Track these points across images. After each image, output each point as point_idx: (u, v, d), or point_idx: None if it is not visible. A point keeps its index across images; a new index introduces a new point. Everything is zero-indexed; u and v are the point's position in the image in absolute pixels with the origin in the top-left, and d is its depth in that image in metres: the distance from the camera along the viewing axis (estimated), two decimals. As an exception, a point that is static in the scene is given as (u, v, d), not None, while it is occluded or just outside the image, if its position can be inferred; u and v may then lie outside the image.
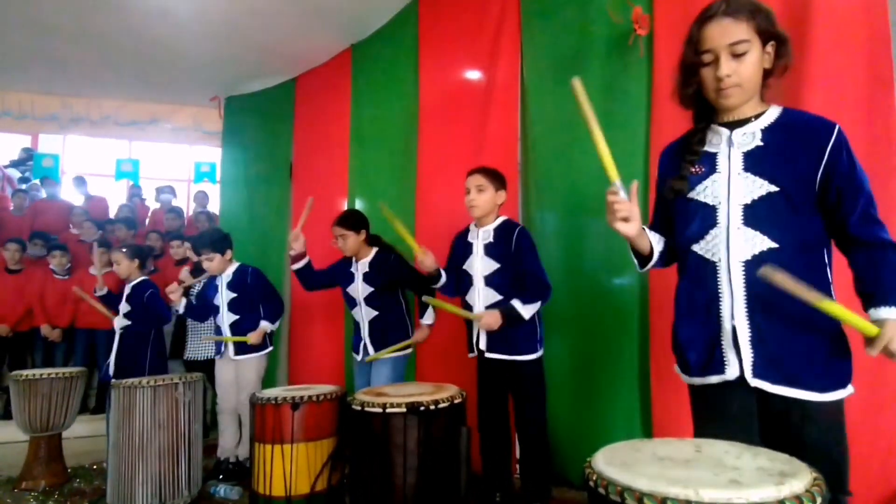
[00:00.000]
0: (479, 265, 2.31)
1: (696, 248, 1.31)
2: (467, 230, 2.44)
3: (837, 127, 1.24)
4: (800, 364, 1.18)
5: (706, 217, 1.30)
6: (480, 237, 2.35)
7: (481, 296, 2.29)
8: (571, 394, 2.69)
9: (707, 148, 1.34)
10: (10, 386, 3.13)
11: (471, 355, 2.36)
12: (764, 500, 0.72)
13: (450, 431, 1.79)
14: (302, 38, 4.21)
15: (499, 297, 2.26)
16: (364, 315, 2.76)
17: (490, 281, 2.28)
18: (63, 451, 3.22)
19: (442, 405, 1.78)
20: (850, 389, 1.20)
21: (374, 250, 2.83)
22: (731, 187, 1.28)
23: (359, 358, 2.81)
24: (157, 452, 2.61)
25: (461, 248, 2.41)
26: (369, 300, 2.75)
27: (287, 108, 4.81)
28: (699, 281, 1.29)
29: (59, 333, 4.59)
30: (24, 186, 6.57)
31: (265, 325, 3.10)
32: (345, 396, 2.46)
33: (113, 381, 2.75)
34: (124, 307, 3.35)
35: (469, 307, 2.32)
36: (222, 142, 5.34)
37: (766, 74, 1.31)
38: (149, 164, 7.15)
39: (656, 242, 1.43)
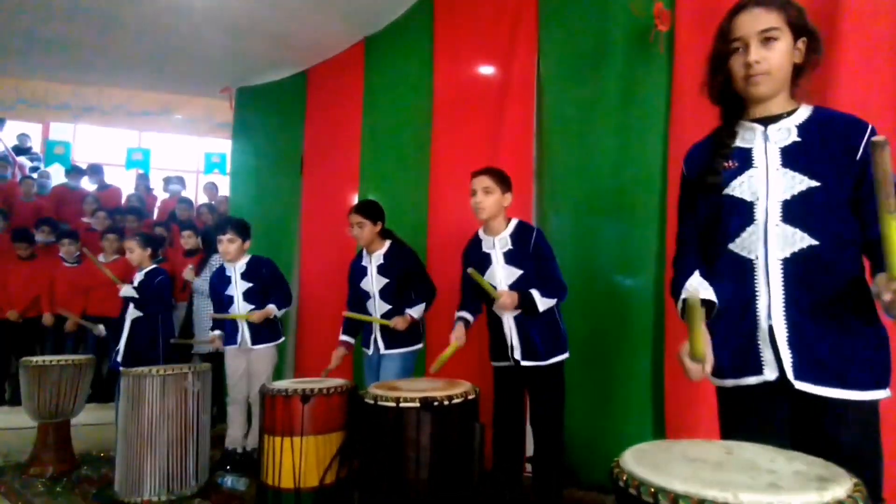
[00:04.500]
0: (502, 274, 2.25)
1: (731, 245, 1.28)
2: (478, 239, 2.35)
3: (871, 126, 1.22)
4: (841, 363, 1.15)
5: (742, 213, 1.26)
6: (498, 246, 2.27)
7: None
8: (583, 393, 2.66)
9: (739, 143, 1.31)
10: (21, 372, 3.14)
11: (497, 364, 2.32)
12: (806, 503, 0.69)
13: (463, 427, 1.78)
14: (315, 29, 4.18)
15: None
16: (377, 309, 2.74)
17: (515, 289, 2.21)
18: (71, 439, 3.22)
19: (455, 401, 1.76)
20: (888, 392, 1.17)
21: (388, 243, 2.82)
22: (769, 183, 1.25)
23: (369, 352, 2.79)
24: (166, 442, 2.61)
25: (477, 259, 2.31)
26: (384, 293, 2.73)
27: (298, 101, 4.79)
28: (734, 279, 1.26)
29: (73, 323, 4.60)
30: (34, 175, 6.60)
31: (272, 308, 3.09)
32: (355, 390, 2.46)
33: (122, 369, 2.75)
34: (131, 292, 3.35)
35: (497, 318, 2.27)
36: (233, 133, 5.33)
37: (797, 72, 1.28)
38: (159, 154, 7.16)
39: (707, 294, 1.28)
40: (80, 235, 4.98)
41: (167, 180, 6.76)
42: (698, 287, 1.27)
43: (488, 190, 2.24)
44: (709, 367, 1.18)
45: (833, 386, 1.15)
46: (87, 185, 6.43)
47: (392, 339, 2.71)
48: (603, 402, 2.66)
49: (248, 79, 5.16)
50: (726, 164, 1.31)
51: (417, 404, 1.72)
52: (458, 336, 2.24)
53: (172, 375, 2.67)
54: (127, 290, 3.29)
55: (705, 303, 1.23)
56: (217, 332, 3.24)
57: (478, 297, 2.35)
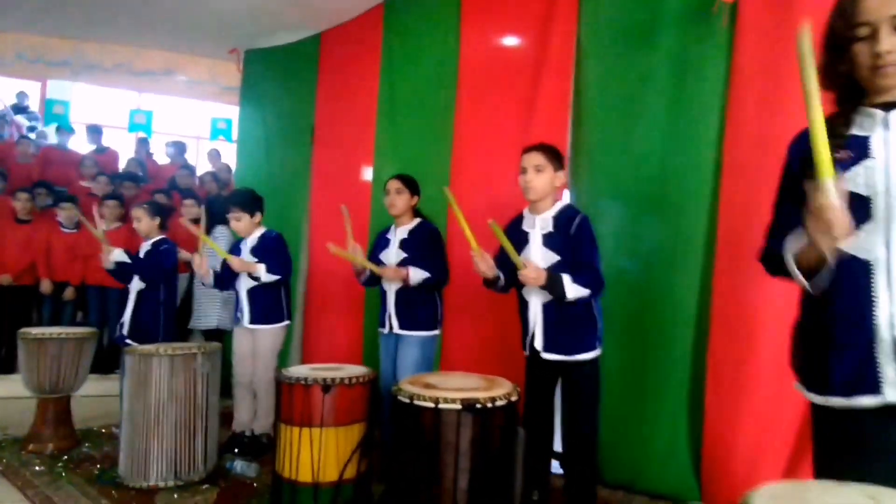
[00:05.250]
0: (538, 257, 2.06)
1: (843, 245, 1.10)
2: (521, 217, 2.17)
3: None
4: None
5: (858, 209, 1.08)
6: (538, 225, 2.09)
7: (540, 291, 2.03)
8: (614, 389, 2.53)
9: (855, 131, 1.13)
10: (19, 344, 2.99)
11: (526, 353, 2.18)
12: None
13: (505, 432, 1.64)
14: (330, -12, 3.92)
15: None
16: (392, 284, 2.60)
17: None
18: (72, 414, 3.09)
19: (499, 403, 1.61)
20: None
21: (418, 220, 2.73)
22: (890, 175, 1.08)
23: (385, 332, 2.65)
24: (173, 425, 2.48)
25: (514, 237, 2.10)
26: (401, 265, 2.59)
27: (310, 66, 4.52)
28: (846, 283, 1.09)
29: (73, 291, 4.43)
30: (32, 135, 6.32)
31: (260, 267, 2.89)
32: (376, 380, 2.32)
33: (127, 346, 2.60)
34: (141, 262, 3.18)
35: (525, 302, 2.10)
36: (240, 98, 5.08)
37: None
38: (163, 117, 6.87)
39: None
40: (80, 200, 4.77)
41: (167, 145, 6.51)
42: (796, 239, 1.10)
43: (540, 168, 2.04)
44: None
45: None
46: (81, 146, 6.15)
47: (408, 318, 2.58)
48: (635, 400, 2.54)
49: (257, 40, 4.89)
50: (838, 156, 1.13)
51: (458, 406, 1.57)
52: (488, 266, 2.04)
53: (181, 356, 2.52)
54: (119, 255, 3.13)
55: None
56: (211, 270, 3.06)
57: (507, 271, 2.12)
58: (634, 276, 2.54)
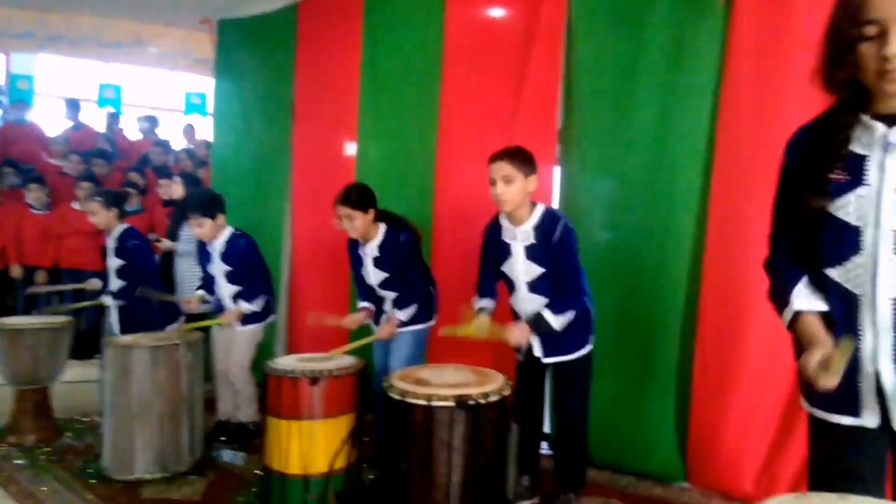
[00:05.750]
0: (522, 269, 2.04)
1: (832, 273, 1.08)
2: (499, 225, 2.11)
3: None
4: None
5: (848, 240, 1.05)
6: (519, 238, 2.03)
7: (527, 302, 2.04)
8: (603, 373, 2.53)
9: (854, 148, 1.06)
10: (-6, 334, 2.89)
11: (520, 357, 2.17)
12: None
13: (498, 427, 1.63)
14: (307, -47, 3.73)
15: (546, 301, 2.02)
16: (384, 295, 2.55)
17: (535, 287, 2.03)
18: (51, 405, 3.02)
19: (492, 399, 1.60)
20: None
21: (383, 230, 2.52)
22: (881, 207, 1.02)
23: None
24: (158, 417, 2.43)
25: (497, 248, 2.10)
26: (384, 285, 2.53)
27: (288, 38, 4.31)
28: (834, 310, 1.08)
29: (45, 276, 4.29)
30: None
31: (243, 307, 2.82)
32: (365, 370, 2.29)
33: (107, 338, 2.52)
34: (115, 262, 3.09)
35: (518, 316, 2.10)
36: (214, 71, 4.86)
37: None
38: (134, 91, 6.57)
39: (814, 305, 1.12)
40: (49, 180, 4.57)
41: (139, 120, 6.25)
42: (807, 300, 1.10)
43: (509, 178, 1.94)
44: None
45: None
46: (59, 123, 5.88)
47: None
48: (624, 384, 2.56)
49: (230, 10, 4.65)
50: (835, 177, 1.07)
51: (451, 403, 1.55)
52: (479, 326, 2.04)
53: (163, 347, 2.46)
54: (115, 283, 3.07)
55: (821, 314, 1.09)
56: (200, 293, 2.99)
57: (496, 278, 2.17)
58: (624, 259, 2.52)
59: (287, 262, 4.18)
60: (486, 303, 2.16)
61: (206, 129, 5.80)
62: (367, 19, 3.71)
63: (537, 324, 1.95)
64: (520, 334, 1.96)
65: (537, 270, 2.03)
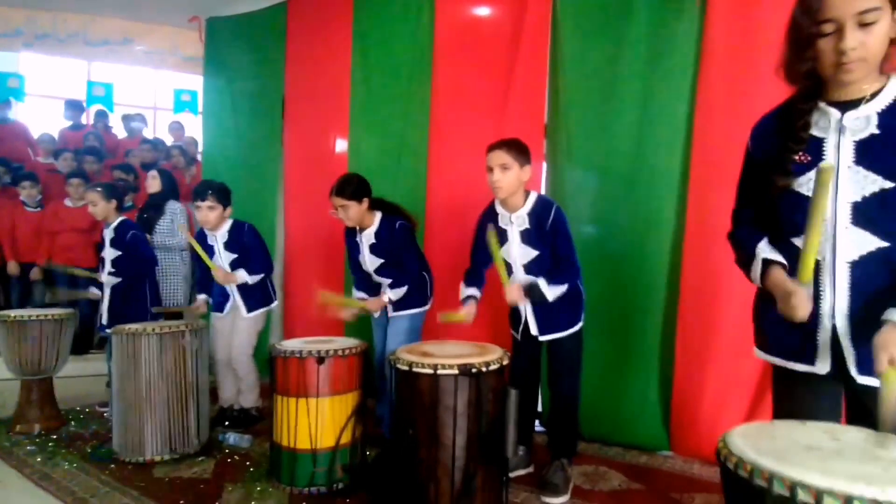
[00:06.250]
0: (517, 253, 2.18)
1: (796, 241, 1.23)
2: (495, 212, 2.25)
3: None
4: None
5: (807, 212, 1.18)
6: (515, 224, 2.18)
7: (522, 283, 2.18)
8: (591, 350, 2.68)
9: (813, 131, 1.22)
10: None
11: (516, 335, 2.32)
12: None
13: (498, 393, 1.76)
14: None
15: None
16: (380, 281, 2.67)
17: (530, 269, 2.17)
18: (55, 394, 3.08)
19: (493, 367, 1.74)
20: None
21: (378, 217, 2.61)
22: (839, 183, 1.17)
23: (376, 315, 2.72)
24: (166, 401, 2.52)
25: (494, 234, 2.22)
26: (380, 271, 2.63)
27: (278, 36, 4.37)
28: (797, 274, 1.21)
29: (39, 272, 4.32)
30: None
31: (241, 273, 2.91)
32: (368, 350, 2.41)
33: (115, 326, 2.59)
34: (111, 253, 3.14)
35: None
36: (204, 69, 4.91)
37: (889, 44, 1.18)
38: (123, 89, 6.55)
39: (777, 256, 1.28)
40: (41, 178, 4.59)
41: (128, 118, 6.25)
42: (770, 252, 1.26)
43: (506, 166, 2.09)
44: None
45: None
46: (56, 122, 5.85)
47: (400, 302, 2.63)
48: (611, 362, 2.71)
49: (218, 8, 4.70)
50: (797, 158, 1.22)
51: (456, 371, 1.68)
52: (468, 313, 2.20)
53: (170, 334, 2.54)
54: (108, 279, 3.12)
55: (779, 264, 1.25)
56: (203, 297, 3.09)
57: (486, 265, 2.31)
58: (609, 242, 2.68)
59: (280, 257, 4.26)
60: (473, 291, 2.29)
61: (196, 127, 5.83)
62: (357, 16, 3.78)
63: (532, 290, 2.10)
64: (516, 294, 2.10)
65: (532, 253, 2.17)
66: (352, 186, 2.54)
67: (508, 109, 3.02)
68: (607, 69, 2.64)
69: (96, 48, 5.79)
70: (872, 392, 1.13)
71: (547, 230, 2.15)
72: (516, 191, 2.15)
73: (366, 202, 2.57)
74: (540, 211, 2.16)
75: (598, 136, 2.70)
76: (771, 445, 0.88)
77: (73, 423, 3.06)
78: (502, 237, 2.22)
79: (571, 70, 2.80)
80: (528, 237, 2.17)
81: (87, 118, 6.38)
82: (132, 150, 5.60)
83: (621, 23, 2.59)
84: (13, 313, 2.96)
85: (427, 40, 3.35)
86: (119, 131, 6.35)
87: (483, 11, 3.24)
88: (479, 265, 2.33)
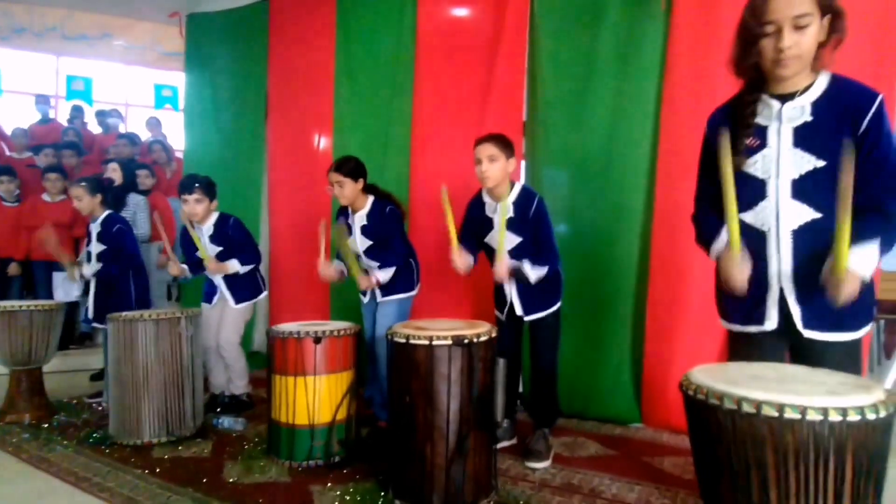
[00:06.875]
0: (504, 240, 2.34)
1: (744, 216, 1.42)
2: (482, 201, 2.41)
3: (879, 97, 1.34)
4: (839, 314, 1.34)
5: (755, 189, 1.41)
6: (500, 213, 2.34)
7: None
8: (568, 331, 2.87)
9: (758, 120, 1.42)
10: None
11: (501, 316, 2.48)
12: (862, 403, 0.88)
13: (488, 362, 1.92)
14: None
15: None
16: (368, 264, 2.79)
17: (515, 255, 2.34)
18: (44, 385, 3.11)
19: (483, 338, 1.90)
20: (869, 328, 1.42)
21: (371, 200, 2.74)
22: (780, 162, 1.38)
23: (365, 300, 2.85)
24: (162, 386, 2.59)
25: (480, 221, 2.41)
26: (369, 253, 2.75)
27: (260, 32, 4.41)
28: (749, 247, 1.41)
29: (17, 267, 4.29)
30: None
31: (233, 263, 2.99)
32: (360, 333, 2.54)
33: (109, 315, 2.65)
34: (97, 247, 3.19)
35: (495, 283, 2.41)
36: (185, 65, 4.93)
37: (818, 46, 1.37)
38: (103, 85, 6.47)
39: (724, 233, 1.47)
40: (20, 173, 4.55)
41: (103, 114, 6.19)
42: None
43: (493, 158, 2.26)
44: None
45: (836, 331, 1.37)
46: (28, 117, 5.75)
47: (388, 287, 2.74)
48: (586, 340, 2.91)
49: (199, 3, 4.72)
50: (748, 143, 1.43)
51: (450, 342, 1.84)
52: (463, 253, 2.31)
53: (165, 320, 2.62)
54: (92, 268, 3.16)
55: None
56: (184, 266, 3.10)
57: (474, 241, 2.45)
58: (586, 236, 2.87)
59: (265, 251, 4.32)
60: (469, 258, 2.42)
61: (178, 123, 5.80)
62: (340, 14, 3.85)
63: (517, 270, 2.28)
64: (503, 270, 2.28)
65: (516, 239, 2.35)
66: (350, 164, 2.68)
67: (489, 107, 3.18)
68: (581, 69, 2.83)
69: (74, 42, 5.73)
70: (815, 344, 1.33)
71: (530, 218, 2.32)
72: (503, 181, 2.33)
73: (361, 182, 2.70)
74: (523, 201, 2.34)
75: (573, 132, 2.89)
76: (724, 376, 1.07)
77: (62, 412, 3.09)
78: (488, 226, 2.39)
79: (548, 70, 2.98)
80: (513, 225, 2.35)
81: (56, 113, 6.29)
82: (110, 148, 5.56)
83: (594, 24, 2.79)
84: (4, 303, 2.98)
85: (409, 37, 3.46)
86: (94, 127, 6.28)
87: (464, 11, 3.39)
88: (469, 242, 2.44)
